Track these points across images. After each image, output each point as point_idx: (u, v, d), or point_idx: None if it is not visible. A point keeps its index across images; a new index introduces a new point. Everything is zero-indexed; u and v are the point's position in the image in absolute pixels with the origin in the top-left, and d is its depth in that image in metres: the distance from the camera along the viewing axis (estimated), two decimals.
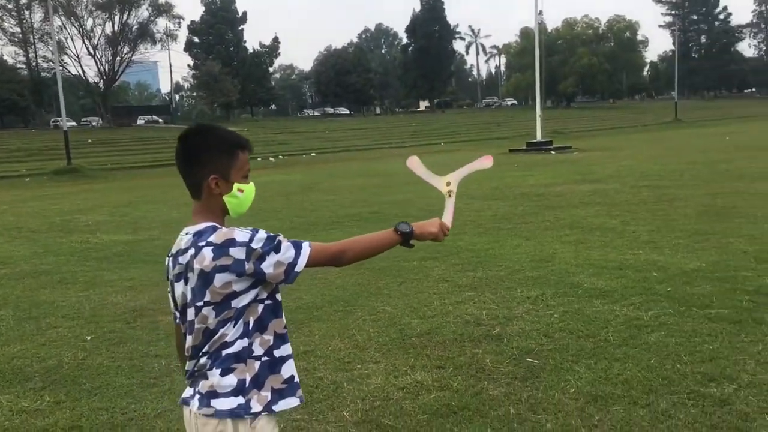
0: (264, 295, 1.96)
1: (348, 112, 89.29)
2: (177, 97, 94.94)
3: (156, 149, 42.48)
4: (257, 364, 1.95)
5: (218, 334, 1.92)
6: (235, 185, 2.00)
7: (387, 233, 2.06)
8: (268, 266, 1.88)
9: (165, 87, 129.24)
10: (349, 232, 10.33)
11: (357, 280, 7.21)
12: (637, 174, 17.24)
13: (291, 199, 16.16)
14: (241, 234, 1.89)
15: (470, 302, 6.13)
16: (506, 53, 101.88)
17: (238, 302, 1.91)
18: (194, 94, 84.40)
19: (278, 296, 2.01)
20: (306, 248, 1.95)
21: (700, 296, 5.79)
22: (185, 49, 78.33)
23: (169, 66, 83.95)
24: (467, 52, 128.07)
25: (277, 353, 1.99)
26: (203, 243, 1.90)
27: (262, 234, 1.91)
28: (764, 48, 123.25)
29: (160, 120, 71.14)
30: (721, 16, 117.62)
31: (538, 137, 34.43)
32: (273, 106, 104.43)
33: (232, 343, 1.92)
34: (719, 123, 57.49)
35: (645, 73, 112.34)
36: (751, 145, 26.94)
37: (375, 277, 7.25)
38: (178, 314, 2.05)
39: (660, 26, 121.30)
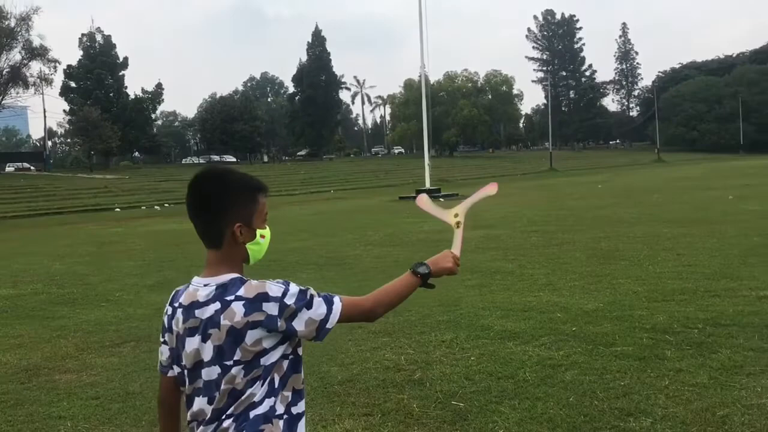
0: (289, 351, 1.88)
1: (234, 159, 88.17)
2: (50, 143, 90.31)
3: (29, 198, 40.06)
4: (281, 423, 1.85)
5: (246, 395, 1.81)
6: (258, 231, 1.92)
7: (407, 278, 1.98)
8: (299, 323, 1.81)
9: (35, 132, 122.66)
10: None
11: None
12: (524, 220, 18.03)
13: (185, 249, 15.67)
14: (274, 288, 1.80)
15: (387, 348, 6.15)
16: (391, 103, 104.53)
17: (267, 359, 1.81)
18: (69, 140, 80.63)
19: (300, 350, 1.93)
20: (338, 304, 1.87)
21: (603, 335, 6.10)
22: (61, 94, 74.92)
23: (43, 111, 79.83)
24: (353, 102, 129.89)
25: (294, 410, 1.90)
26: (232, 297, 1.79)
27: (294, 288, 1.82)
28: (626, 103, 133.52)
29: (32, 167, 67.34)
30: (587, 73, 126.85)
31: (427, 185, 35.35)
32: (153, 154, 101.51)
33: (260, 402, 1.82)
34: (590, 172, 61.28)
35: (521, 124, 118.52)
36: (621, 192, 28.87)
37: None
38: (177, 370, 1.93)
39: (533, 81, 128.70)
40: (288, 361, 1.87)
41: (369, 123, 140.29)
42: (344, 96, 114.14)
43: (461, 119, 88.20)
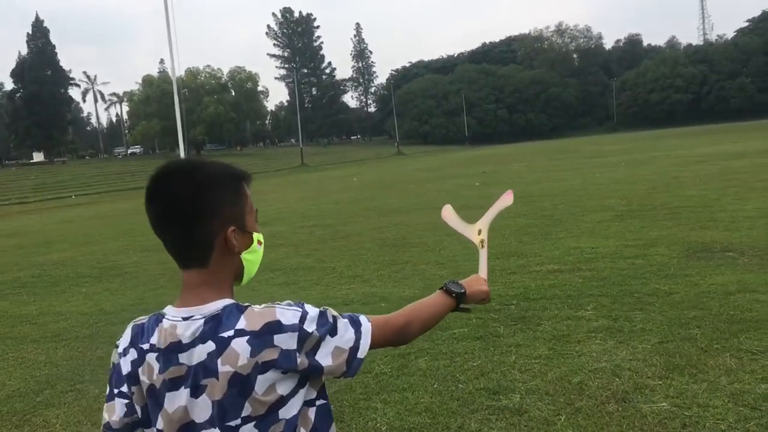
0: (313, 395, 1.42)
1: None
2: None
3: None
4: None
5: None
6: (255, 235, 1.49)
7: (440, 298, 1.65)
8: (325, 356, 1.36)
9: None
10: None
11: (64, 353, 6.21)
12: (298, 215, 18.05)
13: None
14: (287, 313, 1.36)
15: None
16: (129, 101, 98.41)
17: (287, 411, 1.35)
18: None
19: (326, 391, 1.48)
20: (366, 324, 1.45)
21: None
22: None
23: None
24: (84, 100, 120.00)
25: None
26: (230, 332, 1.32)
27: (313, 310, 1.40)
28: (364, 99, 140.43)
29: None
30: (328, 71, 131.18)
31: None
32: None
33: None
34: (340, 166, 63.50)
35: (267, 121, 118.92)
36: (378, 184, 30.27)
37: (85, 346, 6.32)
38: None
39: (276, 78, 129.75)
40: (315, 408, 1.42)
41: (104, 122, 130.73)
42: (74, 94, 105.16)
43: (207, 117, 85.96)
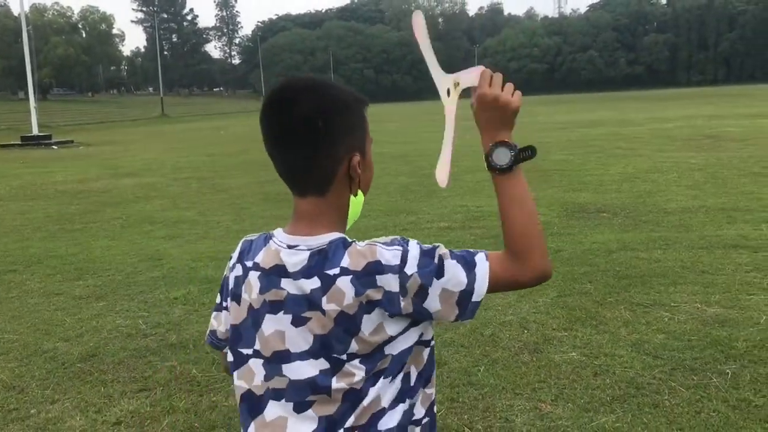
0: (429, 336, 1.30)
1: None
2: None
3: None
4: (418, 431, 1.32)
5: (369, 398, 1.24)
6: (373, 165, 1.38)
7: (497, 185, 1.30)
8: (433, 302, 1.21)
9: None
10: None
11: None
12: (169, 167, 17.23)
13: None
14: (387, 253, 1.21)
15: (111, 313, 5.37)
16: None
17: (394, 347, 1.24)
18: None
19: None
20: (483, 265, 1.24)
21: None
22: None
23: None
24: None
25: (435, 409, 1.37)
26: (336, 271, 1.21)
27: (415, 248, 1.22)
28: (228, 51, 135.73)
29: None
30: (189, 17, 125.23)
31: (34, 131, 31.29)
32: None
33: (391, 407, 1.26)
34: (204, 119, 61.24)
35: (122, 67, 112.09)
36: (248, 138, 29.44)
37: None
38: (231, 357, 1.36)
39: (133, 21, 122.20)
40: (429, 349, 1.31)
41: None
42: None
43: (55, 58, 79.64)
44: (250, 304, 1.31)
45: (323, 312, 1.22)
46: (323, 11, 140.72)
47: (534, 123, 29.48)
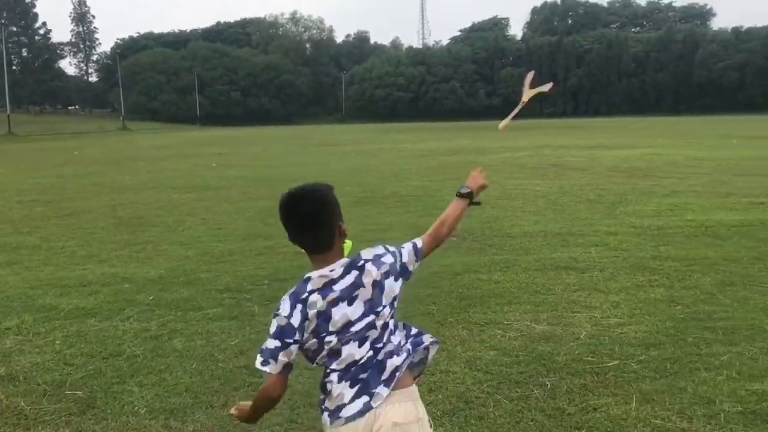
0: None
1: None
2: None
3: None
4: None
5: (388, 329, 2.25)
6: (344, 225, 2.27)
7: (456, 202, 2.49)
8: (404, 256, 2.33)
9: None
10: None
11: None
12: (12, 189, 16.14)
13: None
14: (379, 249, 2.30)
15: None
16: None
17: (399, 296, 2.29)
18: None
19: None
20: (413, 246, 2.42)
21: (185, 300, 6.12)
22: None
23: None
24: None
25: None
26: (362, 262, 2.21)
27: (390, 246, 2.34)
28: (84, 67, 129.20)
29: None
30: (42, 32, 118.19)
31: None
32: None
33: (395, 327, 2.32)
34: (57, 138, 57.78)
35: None
36: (104, 159, 28.19)
37: None
38: (286, 359, 2.17)
39: None
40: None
41: None
42: None
43: None
44: (318, 311, 2.14)
45: (364, 286, 2.19)
46: (188, 31, 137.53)
47: (397, 150, 30.26)
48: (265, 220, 10.61)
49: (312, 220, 2.15)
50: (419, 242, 2.37)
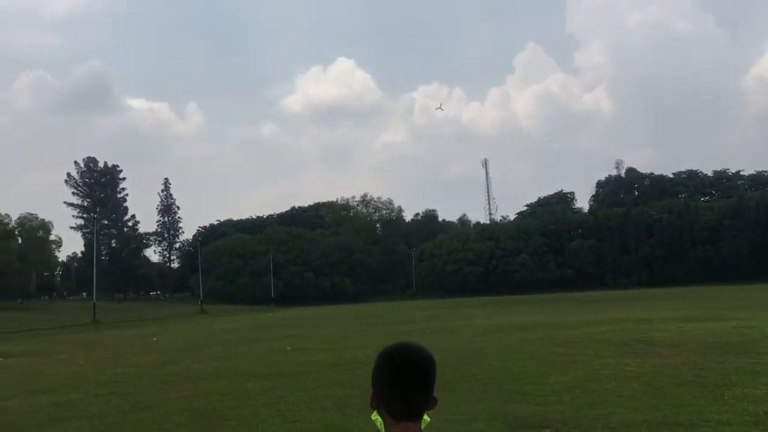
0: None
1: None
2: None
3: None
4: None
5: None
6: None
7: None
8: None
9: None
10: None
11: None
12: (92, 382, 16.25)
13: None
14: None
15: None
16: None
17: None
18: None
19: None
20: None
21: None
22: None
23: None
24: None
25: None
26: None
27: None
28: (168, 255, 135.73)
29: None
30: (130, 223, 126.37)
31: None
32: None
33: None
34: (138, 324, 59.44)
35: (57, 272, 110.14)
36: (181, 345, 28.48)
37: None
38: None
39: (72, 228, 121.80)
40: None
41: None
42: None
43: None
44: None
45: None
46: (264, 216, 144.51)
47: (471, 326, 29.63)
48: (343, 411, 10.16)
49: (428, 378, 2.03)
50: None
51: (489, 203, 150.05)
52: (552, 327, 26.60)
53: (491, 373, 13.46)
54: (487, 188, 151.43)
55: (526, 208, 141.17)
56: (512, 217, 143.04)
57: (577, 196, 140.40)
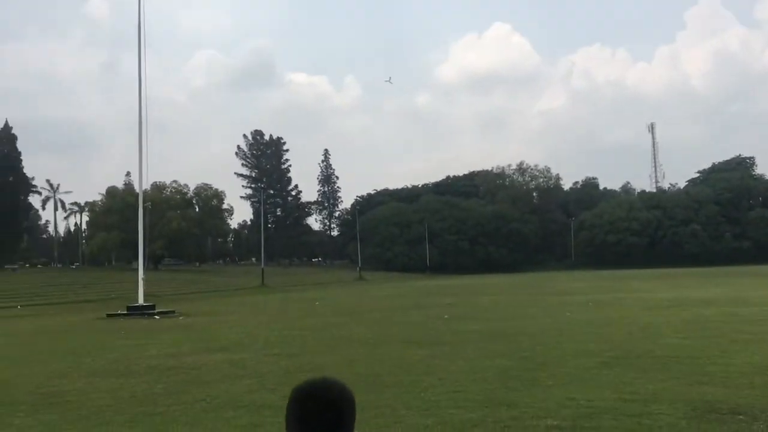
0: None
1: None
2: None
3: None
4: None
5: None
6: None
7: None
8: None
9: None
10: None
11: None
12: (261, 341, 17.03)
13: None
14: None
15: None
16: (90, 211, 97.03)
17: None
18: None
19: None
20: None
21: None
22: None
23: None
24: (44, 208, 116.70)
25: None
26: None
27: None
28: (328, 223, 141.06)
29: None
30: (294, 193, 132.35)
31: (140, 301, 32.44)
32: None
33: None
34: (301, 288, 62.34)
35: (229, 239, 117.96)
36: (342, 310, 29.33)
37: None
38: None
39: (241, 197, 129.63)
40: None
41: (62, 231, 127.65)
42: (35, 201, 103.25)
43: (169, 232, 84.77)
44: None
45: None
46: (419, 186, 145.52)
47: (639, 300, 27.99)
48: (507, 384, 9.76)
49: (340, 423, 1.83)
50: None
51: (655, 170, 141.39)
52: (732, 302, 24.49)
53: (668, 351, 12.46)
54: (654, 154, 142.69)
55: (698, 174, 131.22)
56: (682, 184, 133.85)
57: (757, 161, 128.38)
